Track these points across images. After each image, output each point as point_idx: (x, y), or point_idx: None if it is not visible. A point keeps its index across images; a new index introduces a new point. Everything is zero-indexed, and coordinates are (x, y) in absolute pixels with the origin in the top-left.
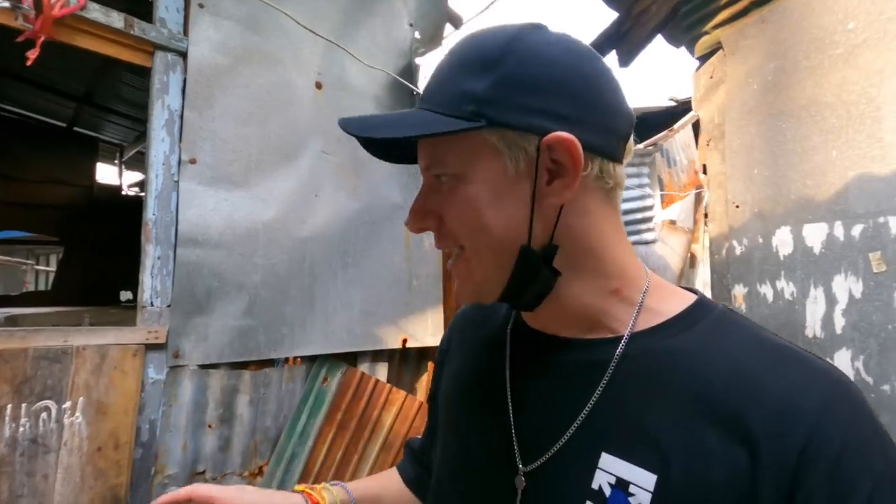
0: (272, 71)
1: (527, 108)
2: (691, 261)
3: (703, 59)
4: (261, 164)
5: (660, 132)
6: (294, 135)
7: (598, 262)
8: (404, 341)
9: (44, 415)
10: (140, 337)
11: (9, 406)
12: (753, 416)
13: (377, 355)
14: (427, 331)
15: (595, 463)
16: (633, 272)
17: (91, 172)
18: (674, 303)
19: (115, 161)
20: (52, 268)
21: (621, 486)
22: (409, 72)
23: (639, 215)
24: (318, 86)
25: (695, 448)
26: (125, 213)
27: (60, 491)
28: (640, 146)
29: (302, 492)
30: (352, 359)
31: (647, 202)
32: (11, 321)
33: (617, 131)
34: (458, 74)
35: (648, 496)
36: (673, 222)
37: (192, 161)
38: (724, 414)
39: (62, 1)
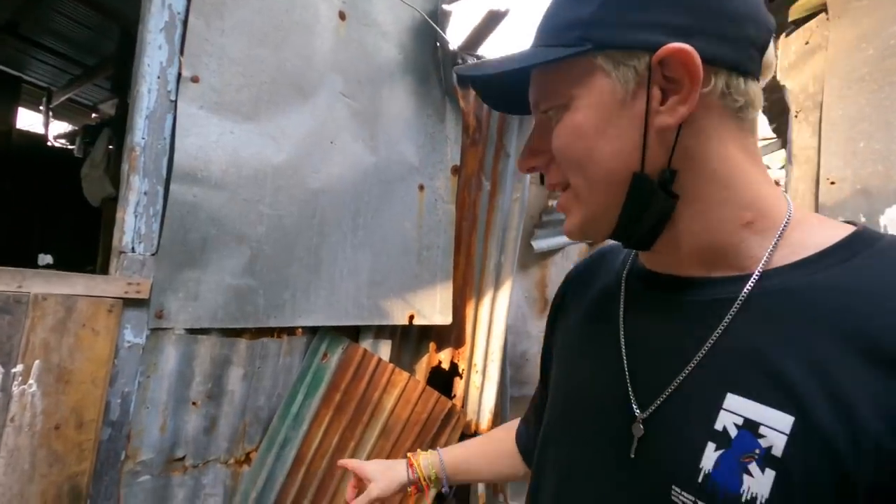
0: None
1: (636, 24)
2: None
3: (798, 24)
4: (273, 95)
5: None
6: (312, 68)
7: (725, 189)
8: (411, 317)
9: None
10: (117, 289)
11: None
12: None
13: (381, 331)
14: (435, 308)
15: (720, 404)
16: (770, 202)
17: (10, 116)
18: (825, 235)
19: (41, 107)
20: None
21: (750, 427)
22: (435, 18)
23: None
24: (342, 16)
25: (847, 393)
26: (49, 166)
27: (3, 480)
28: None
29: (408, 459)
30: (353, 333)
31: None
32: None
33: (748, 38)
34: (567, 3)
35: (783, 438)
36: None
37: (195, 79)
38: (876, 350)
39: None
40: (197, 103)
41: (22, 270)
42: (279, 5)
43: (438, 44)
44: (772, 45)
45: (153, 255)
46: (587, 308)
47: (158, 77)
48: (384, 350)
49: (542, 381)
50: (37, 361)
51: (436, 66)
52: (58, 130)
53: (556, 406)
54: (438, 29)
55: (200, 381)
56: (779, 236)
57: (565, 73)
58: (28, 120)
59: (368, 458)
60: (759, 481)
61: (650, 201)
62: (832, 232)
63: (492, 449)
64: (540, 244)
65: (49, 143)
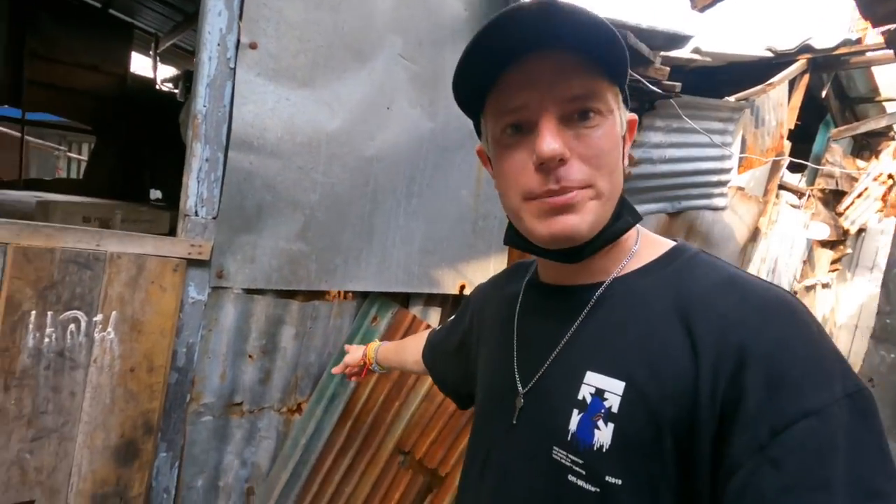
0: None
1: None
2: (754, 234)
3: None
4: (330, 60)
5: (752, 87)
6: (370, 29)
7: None
8: (462, 287)
9: (72, 326)
10: (182, 250)
11: (33, 313)
12: (700, 328)
13: (431, 299)
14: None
15: (581, 380)
16: (632, 230)
17: (125, 61)
18: (655, 250)
19: (150, 52)
20: (85, 157)
21: (598, 394)
22: None
23: (713, 178)
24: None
25: (654, 358)
26: (159, 108)
27: (88, 411)
28: (731, 99)
29: (366, 347)
30: (404, 300)
31: (726, 164)
32: (43, 207)
33: None
34: (618, 37)
35: (618, 398)
36: (741, 190)
37: (253, 45)
38: (680, 329)
39: None
40: (255, 70)
41: (100, 231)
42: None
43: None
44: None
45: (214, 218)
46: (496, 311)
47: (218, 44)
48: (434, 317)
49: (451, 326)
50: (114, 312)
51: None
52: (165, 74)
53: (481, 392)
54: None
55: (256, 336)
56: (632, 254)
57: (608, 87)
58: (139, 64)
59: (412, 419)
60: (604, 433)
61: (620, 217)
62: (660, 247)
63: (413, 348)
64: None
65: (157, 87)
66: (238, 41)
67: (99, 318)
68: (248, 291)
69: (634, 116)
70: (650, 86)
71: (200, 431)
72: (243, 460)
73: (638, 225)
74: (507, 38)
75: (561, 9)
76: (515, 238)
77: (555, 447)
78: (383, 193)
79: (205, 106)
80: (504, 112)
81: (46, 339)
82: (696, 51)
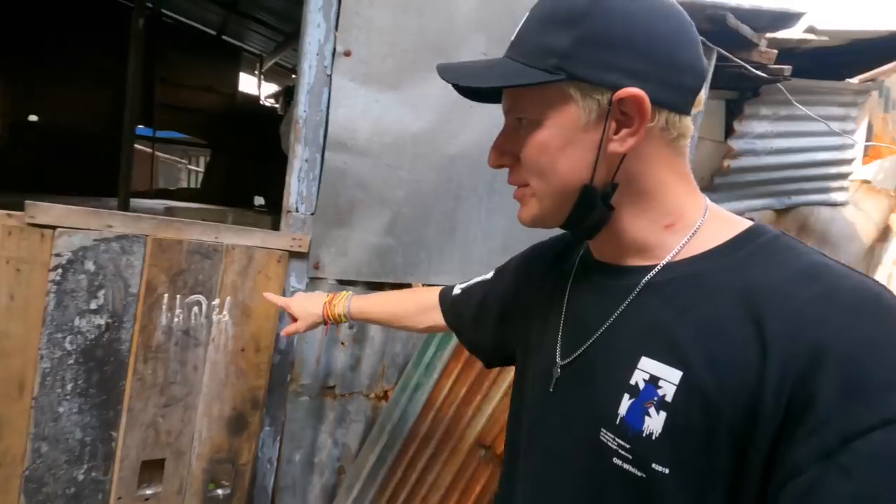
0: None
1: (604, 64)
2: (883, 232)
3: None
4: (415, 62)
5: (880, 66)
6: (453, 30)
7: (653, 201)
8: None
9: (195, 308)
10: (284, 243)
11: (165, 295)
12: (771, 321)
13: None
14: None
15: (635, 365)
16: (689, 209)
17: (235, 81)
18: (725, 232)
19: (255, 72)
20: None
21: (653, 381)
22: None
23: (832, 169)
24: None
25: (717, 350)
26: (262, 122)
27: (207, 384)
28: (854, 80)
29: (327, 301)
30: None
31: (847, 154)
32: (170, 212)
33: (686, 86)
34: (544, 28)
35: (673, 388)
36: (867, 183)
37: (347, 53)
38: (749, 323)
39: None
40: (348, 76)
41: (218, 225)
42: None
43: None
44: (703, 87)
45: (312, 214)
46: (549, 278)
47: (317, 54)
48: None
49: (491, 284)
50: (228, 297)
51: None
52: (267, 91)
53: (526, 358)
54: None
55: (347, 325)
56: (691, 235)
57: (539, 93)
58: (246, 83)
59: (494, 414)
60: (654, 420)
61: (593, 209)
62: (731, 229)
63: (401, 298)
64: None
65: (261, 103)
66: (334, 50)
67: (216, 302)
68: (341, 282)
69: (631, 91)
70: (753, 70)
71: (298, 410)
72: (335, 440)
73: (708, 201)
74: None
75: (456, 67)
76: None
77: (602, 429)
78: (466, 191)
79: (305, 111)
80: None
81: (175, 319)
82: (811, 30)
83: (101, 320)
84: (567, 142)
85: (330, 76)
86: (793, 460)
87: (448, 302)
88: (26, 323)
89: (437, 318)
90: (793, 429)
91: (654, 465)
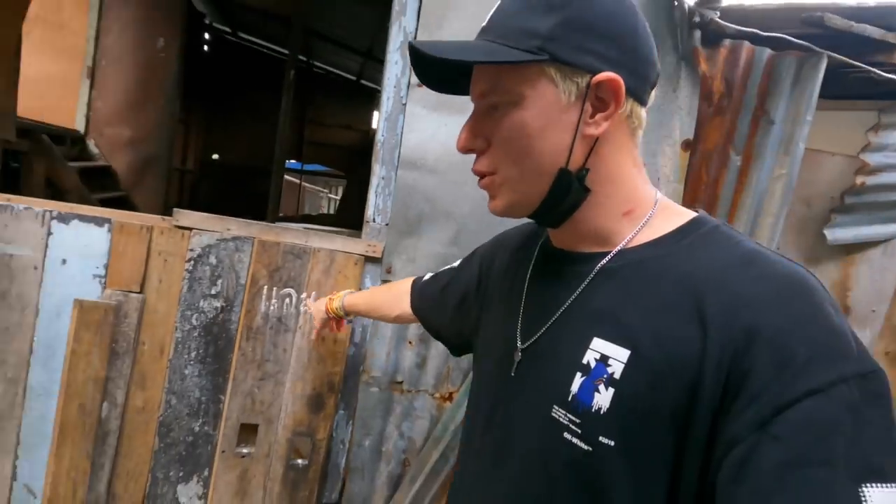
0: None
1: (584, 48)
2: None
3: None
4: None
5: None
6: None
7: (616, 187)
8: None
9: (287, 300)
10: (361, 248)
11: (265, 287)
12: (710, 304)
13: None
14: None
15: (588, 345)
16: (645, 198)
17: (369, 119)
18: (673, 221)
19: None
20: (339, 196)
21: (603, 360)
22: None
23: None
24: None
25: (662, 331)
26: None
27: (293, 365)
28: None
29: (329, 299)
30: None
31: None
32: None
33: (650, 79)
34: (525, 11)
35: (621, 366)
36: None
37: (420, 84)
38: (689, 303)
39: None
40: (420, 104)
41: (307, 231)
42: (489, 3)
43: (676, 2)
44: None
45: (386, 225)
46: (510, 271)
47: (394, 86)
48: None
49: (450, 279)
50: (314, 292)
51: (671, 29)
52: None
53: (484, 344)
54: None
55: (415, 326)
56: (644, 223)
57: (518, 74)
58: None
59: None
60: (603, 396)
61: (569, 191)
62: (678, 219)
63: (383, 289)
64: (838, 234)
65: None
66: (409, 82)
67: (304, 296)
68: None
69: (608, 75)
70: (885, 74)
71: (369, 399)
72: (401, 433)
73: (658, 193)
74: (428, 70)
75: (431, 44)
76: None
77: (555, 406)
78: None
79: (383, 135)
80: None
81: (271, 307)
82: None
83: (217, 303)
84: (546, 123)
85: (405, 105)
86: (731, 431)
87: (417, 288)
88: (168, 302)
89: (406, 307)
90: (730, 402)
91: (600, 438)
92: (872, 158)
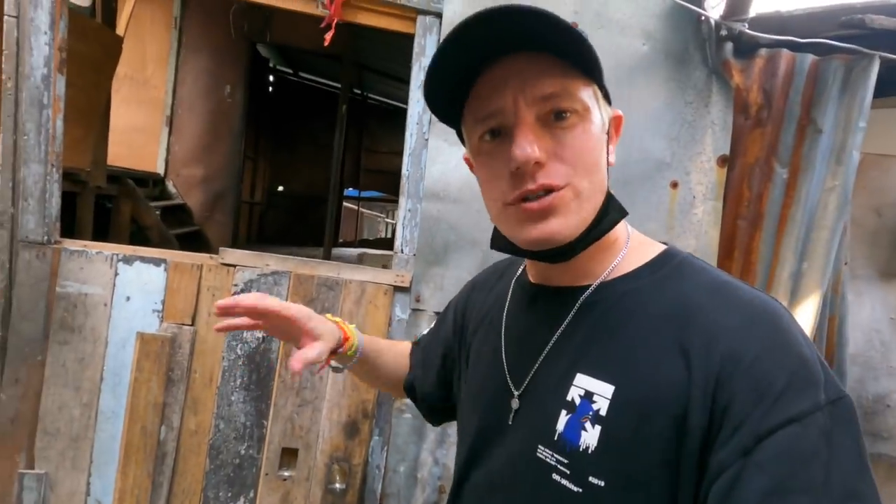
0: None
1: (605, 84)
2: None
3: None
4: None
5: None
6: None
7: None
8: None
9: None
10: (390, 279)
11: None
12: (690, 337)
13: None
14: None
15: (571, 381)
16: (623, 231)
17: None
18: (645, 253)
19: None
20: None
21: (588, 396)
22: None
23: None
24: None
25: (646, 365)
26: None
27: (329, 392)
28: None
29: (336, 323)
30: None
31: None
32: (360, 257)
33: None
34: (585, 38)
35: (606, 402)
36: None
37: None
38: (670, 335)
39: None
40: (442, 138)
41: (339, 265)
42: None
43: (703, 17)
44: None
45: (414, 255)
46: (488, 309)
47: (417, 123)
48: None
49: (437, 323)
50: (346, 321)
51: (699, 44)
52: None
53: (468, 389)
54: (694, 7)
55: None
56: (621, 257)
57: (583, 86)
58: None
59: None
60: (590, 434)
61: (607, 214)
62: (651, 250)
63: (399, 353)
64: None
65: None
66: (431, 119)
67: None
68: (438, 314)
69: (619, 113)
70: None
71: (402, 426)
72: (436, 459)
73: (629, 227)
74: (473, 47)
75: (524, 11)
76: (502, 241)
77: (539, 446)
78: None
79: (408, 170)
80: (480, 119)
81: None
82: None
83: (259, 334)
84: (600, 142)
85: (427, 140)
86: (718, 460)
87: (413, 351)
88: (216, 333)
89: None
90: (717, 432)
91: (590, 479)
92: None
